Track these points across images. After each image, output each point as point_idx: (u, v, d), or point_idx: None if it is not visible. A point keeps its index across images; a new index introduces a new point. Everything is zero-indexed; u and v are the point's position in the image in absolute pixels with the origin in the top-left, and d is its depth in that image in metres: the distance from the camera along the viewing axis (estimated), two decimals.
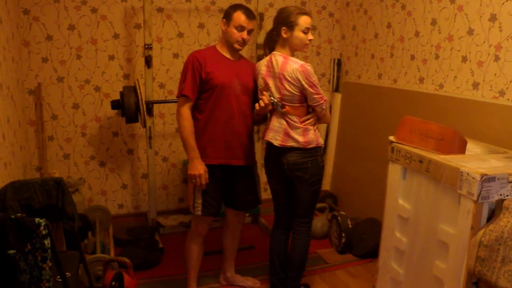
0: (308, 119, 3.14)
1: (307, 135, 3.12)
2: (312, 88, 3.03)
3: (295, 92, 3.07)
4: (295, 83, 3.04)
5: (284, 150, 3.17)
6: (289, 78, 3.05)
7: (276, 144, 3.16)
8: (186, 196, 3.16)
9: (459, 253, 2.48)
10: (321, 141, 3.22)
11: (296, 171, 3.19)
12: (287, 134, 3.13)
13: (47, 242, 2.21)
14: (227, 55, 3.26)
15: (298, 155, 3.13)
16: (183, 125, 3.16)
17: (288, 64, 3.06)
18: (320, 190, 3.34)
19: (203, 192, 3.21)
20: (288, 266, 3.44)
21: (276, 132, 3.18)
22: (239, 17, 3.11)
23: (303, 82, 3.01)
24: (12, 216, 2.17)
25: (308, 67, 3.03)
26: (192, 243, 3.42)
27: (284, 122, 3.14)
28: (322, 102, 3.08)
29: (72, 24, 4.60)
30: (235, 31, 3.13)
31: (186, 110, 3.16)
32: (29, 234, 2.19)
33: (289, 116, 3.12)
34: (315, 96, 3.05)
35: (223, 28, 3.19)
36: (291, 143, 3.12)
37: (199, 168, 3.12)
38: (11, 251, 2.11)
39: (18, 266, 2.16)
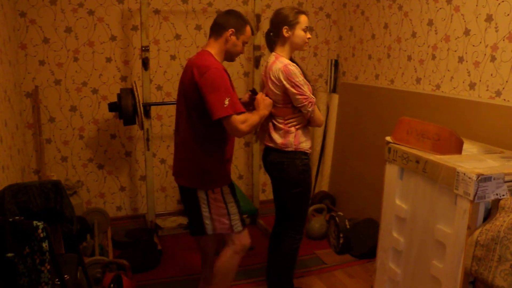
0: (292, 119, 3.14)
1: (286, 137, 3.13)
2: (294, 88, 3.01)
3: (277, 92, 3.08)
4: (277, 83, 3.05)
5: (267, 150, 3.25)
6: (272, 78, 3.07)
7: (263, 144, 3.26)
8: (213, 222, 2.99)
9: (456, 252, 2.49)
10: (304, 146, 3.18)
11: (273, 170, 3.24)
12: (269, 135, 3.19)
13: (45, 245, 2.22)
14: None
15: (275, 155, 3.17)
16: (250, 130, 2.93)
17: (275, 64, 3.08)
18: (305, 196, 3.29)
19: (237, 207, 3.09)
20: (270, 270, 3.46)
21: (264, 132, 3.26)
22: (249, 32, 3.05)
23: (285, 82, 3.01)
24: (11, 219, 2.18)
25: (292, 67, 3.02)
26: (236, 260, 3.16)
27: (270, 123, 3.19)
28: (306, 103, 3.04)
29: (69, 26, 4.60)
30: (241, 44, 3.04)
31: (242, 123, 2.82)
32: (28, 237, 2.19)
33: (275, 117, 3.15)
34: (298, 96, 3.02)
35: (230, 37, 2.97)
36: (270, 144, 3.19)
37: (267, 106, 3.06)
38: (10, 254, 2.12)
39: (17, 269, 2.16)
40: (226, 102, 2.74)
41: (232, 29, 2.96)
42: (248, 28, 3.04)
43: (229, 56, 3.07)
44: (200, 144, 2.95)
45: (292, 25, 3.09)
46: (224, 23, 2.98)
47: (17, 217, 2.21)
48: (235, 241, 3.09)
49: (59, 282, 2.42)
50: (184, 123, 3.01)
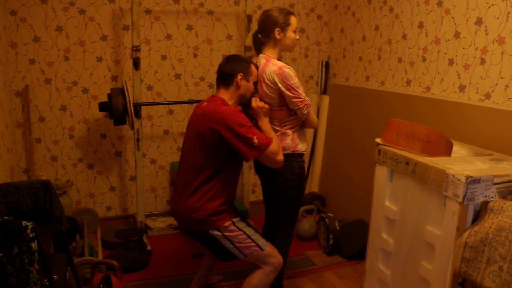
0: (288, 122, 3.14)
1: (283, 140, 3.13)
2: (289, 91, 3.00)
3: (273, 95, 3.07)
4: (272, 86, 3.04)
5: None
6: (267, 81, 3.05)
7: None
8: (241, 250, 2.98)
9: (445, 254, 2.50)
10: (300, 148, 3.19)
11: (268, 173, 3.20)
12: None
13: (34, 245, 2.21)
14: None
15: None
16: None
17: (268, 67, 3.07)
18: (298, 198, 3.29)
19: (252, 228, 3.10)
20: None
21: None
22: (255, 70, 3.09)
23: (280, 85, 3.00)
24: None
25: (287, 69, 3.01)
26: (271, 278, 3.14)
27: None
28: (301, 106, 3.04)
29: (60, 25, 4.58)
30: (252, 85, 3.07)
31: (275, 155, 2.91)
32: (16, 237, 2.18)
33: (271, 120, 3.13)
34: (294, 99, 3.02)
35: (241, 82, 3.00)
36: None
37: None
38: None
39: (5, 269, 2.15)
40: (256, 140, 2.80)
41: (241, 74, 3.00)
42: (253, 67, 3.07)
43: (244, 98, 3.09)
44: (211, 186, 2.95)
45: (283, 27, 3.09)
46: (230, 71, 3.01)
47: (6, 217, 2.20)
48: (267, 262, 3.09)
49: (48, 283, 2.41)
50: (195, 166, 2.99)
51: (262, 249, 3.03)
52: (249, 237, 3.01)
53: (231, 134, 2.80)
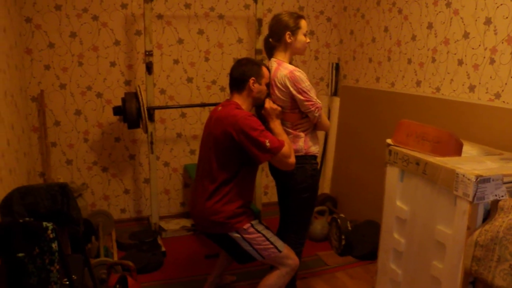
0: (300, 125, 3.17)
1: (296, 142, 3.16)
2: (301, 94, 3.03)
3: (284, 99, 3.10)
4: (284, 90, 3.07)
5: None
6: (278, 85, 3.09)
7: None
8: (259, 252, 3.05)
9: (455, 253, 2.53)
10: (313, 150, 3.22)
11: (282, 175, 3.22)
12: None
13: (54, 245, 2.27)
14: None
15: None
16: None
17: (279, 71, 3.10)
18: (312, 200, 3.31)
19: (270, 230, 3.15)
20: None
21: None
22: (267, 73, 3.11)
23: (291, 89, 3.03)
24: (21, 220, 2.23)
25: (298, 73, 3.04)
26: (287, 279, 3.20)
27: None
28: (313, 109, 3.07)
29: (73, 31, 4.65)
30: (265, 87, 3.09)
31: (287, 157, 2.96)
32: (37, 237, 2.24)
33: (283, 122, 3.17)
34: (306, 103, 3.05)
35: (254, 86, 3.04)
36: None
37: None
38: (20, 254, 2.17)
39: (27, 269, 2.21)
40: (268, 144, 2.84)
41: (253, 78, 3.03)
42: (264, 69, 3.09)
43: (258, 100, 3.13)
44: (229, 189, 2.99)
45: (294, 31, 3.13)
46: (242, 76, 3.04)
47: (27, 218, 2.27)
48: (285, 263, 3.13)
49: (67, 282, 2.46)
50: (212, 171, 3.02)
51: (280, 251, 3.08)
52: (268, 239, 3.05)
53: (244, 137, 2.84)
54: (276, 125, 3.09)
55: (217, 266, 3.58)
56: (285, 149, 2.91)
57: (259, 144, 2.83)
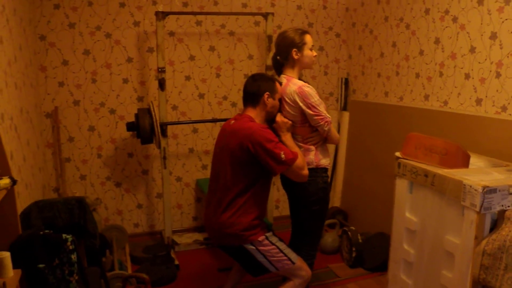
0: (310, 139, 3.22)
1: (307, 155, 3.20)
2: (310, 109, 3.08)
3: (295, 113, 3.15)
4: (293, 105, 3.13)
5: None
6: (288, 100, 3.14)
7: None
8: (273, 264, 3.10)
9: (464, 262, 2.57)
10: (324, 162, 3.26)
11: (293, 188, 3.28)
12: None
13: (73, 256, 2.34)
14: None
15: None
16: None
17: (288, 86, 3.15)
18: (323, 212, 3.33)
19: (284, 243, 3.19)
20: None
21: None
22: (280, 88, 3.17)
23: (301, 104, 3.09)
24: (41, 232, 2.30)
25: (307, 88, 3.10)
26: None
27: None
28: (322, 123, 3.11)
29: (87, 49, 4.75)
30: (278, 102, 3.16)
31: (301, 169, 3.03)
32: (57, 249, 2.31)
33: (294, 135, 3.22)
34: (315, 117, 3.10)
35: (268, 100, 3.11)
36: None
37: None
38: (41, 265, 2.24)
39: (47, 279, 2.28)
40: (283, 156, 2.90)
41: (267, 93, 3.10)
42: (277, 85, 3.16)
43: (270, 115, 3.20)
44: (243, 201, 3.03)
45: (300, 47, 3.18)
46: (257, 91, 3.11)
47: (47, 230, 2.34)
48: (298, 274, 3.18)
49: None
50: (227, 184, 3.06)
51: (293, 263, 3.12)
52: (281, 251, 3.10)
53: (259, 149, 2.90)
54: (288, 138, 3.15)
55: (229, 279, 3.61)
56: (299, 161, 2.97)
57: (275, 155, 2.89)
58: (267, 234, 3.10)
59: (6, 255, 2.11)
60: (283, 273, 3.19)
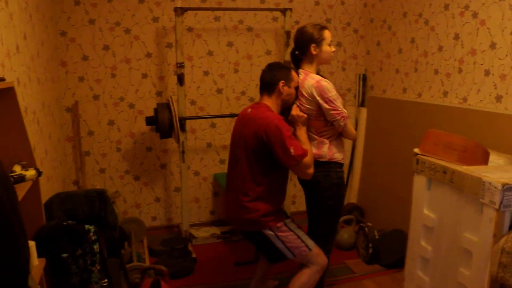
0: (325, 132, 3.24)
1: (320, 148, 3.23)
2: (327, 104, 3.10)
3: (311, 107, 3.17)
4: (311, 99, 3.15)
5: None
6: (305, 94, 3.17)
7: None
8: (291, 250, 3.13)
9: (482, 260, 2.57)
10: (337, 156, 3.27)
11: (310, 183, 3.29)
12: None
13: (96, 247, 2.38)
14: None
15: None
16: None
17: (306, 81, 3.18)
18: (338, 208, 3.35)
19: (302, 230, 3.23)
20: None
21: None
22: (296, 76, 3.20)
23: (318, 98, 3.11)
24: (64, 223, 2.35)
25: (324, 82, 3.12)
26: (317, 278, 3.25)
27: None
28: (338, 118, 3.13)
29: (106, 44, 4.80)
30: (294, 90, 3.18)
31: (307, 168, 3.05)
32: (80, 239, 2.36)
33: (308, 128, 3.24)
34: (332, 112, 3.11)
35: (283, 89, 3.14)
36: None
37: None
38: (64, 255, 2.28)
39: (70, 269, 2.32)
40: (292, 150, 2.91)
41: (282, 81, 3.12)
42: (293, 73, 3.18)
43: (286, 103, 3.22)
44: (261, 189, 3.07)
45: (318, 42, 3.20)
46: (272, 80, 3.14)
47: (70, 222, 2.38)
48: (314, 261, 3.21)
49: (105, 284, 2.57)
50: (243, 171, 3.11)
51: (310, 249, 3.15)
52: (299, 238, 3.14)
53: (272, 139, 2.93)
54: (302, 132, 3.17)
55: (257, 270, 3.66)
56: (307, 159, 2.99)
57: (285, 148, 2.91)
58: (286, 221, 3.15)
59: (31, 244, 2.15)
60: (300, 260, 3.21)
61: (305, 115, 3.17)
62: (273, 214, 3.09)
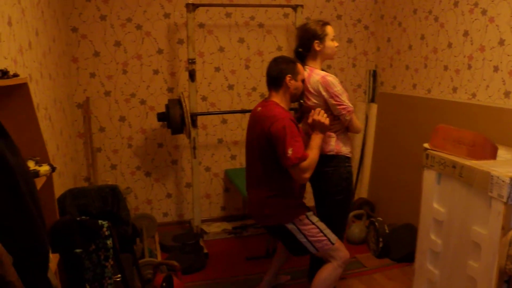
0: (331, 127, 3.24)
1: (328, 142, 3.25)
2: (333, 99, 3.13)
3: (318, 103, 3.20)
4: (317, 94, 3.18)
5: None
6: (311, 90, 3.20)
7: None
8: (313, 244, 3.16)
9: (490, 252, 2.59)
10: (344, 150, 3.30)
11: (318, 179, 3.32)
12: None
13: (109, 242, 2.42)
14: None
15: (319, 164, 3.13)
16: (313, 170, 3.06)
17: (312, 77, 3.21)
18: (346, 202, 3.38)
19: (324, 224, 3.23)
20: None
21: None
22: (302, 69, 3.19)
23: (324, 93, 3.14)
24: (78, 219, 2.39)
25: (330, 78, 3.15)
26: (339, 273, 3.26)
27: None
28: (344, 113, 3.16)
29: (118, 40, 4.84)
30: (301, 83, 3.17)
31: (304, 172, 2.98)
32: (94, 234, 2.40)
33: None
34: (338, 107, 3.14)
35: (290, 82, 3.11)
36: None
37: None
38: (78, 250, 2.32)
39: (83, 264, 2.36)
40: (289, 152, 2.90)
41: (289, 75, 3.11)
42: (299, 66, 3.18)
43: (294, 97, 3.22)
44: (278, 186, 3.11)
45: (322, 38, 3.24)
46: (279, 74, 3.13)
47: (83, 217, 2.42)
48: (336, 256, 3.22)
49: (118, 279, 2.61)
50: (259, 169, 3.15)
51: (332, 243, 3.17)
52: (321, 231, 3.16)
53: (275, 137, 2.95)
54: (315, 138, 3.12)
55: (272, 266, 3.70)
56: (305, 163, 2.95)
57: (284, 149, 2.91)
58: (308, 214, 3.17)
59: None
60: (322, 254, 3.23)
61: (327, 122, 3.12)
62: (294, 207, 3.13)
